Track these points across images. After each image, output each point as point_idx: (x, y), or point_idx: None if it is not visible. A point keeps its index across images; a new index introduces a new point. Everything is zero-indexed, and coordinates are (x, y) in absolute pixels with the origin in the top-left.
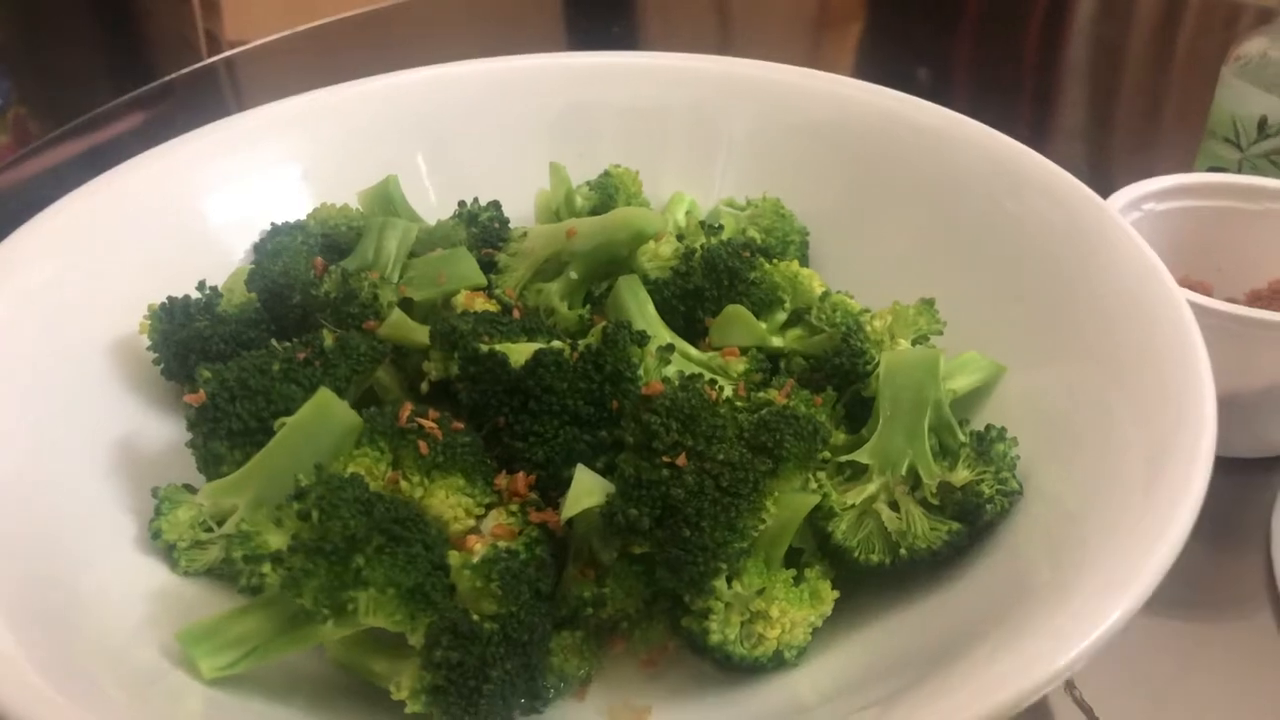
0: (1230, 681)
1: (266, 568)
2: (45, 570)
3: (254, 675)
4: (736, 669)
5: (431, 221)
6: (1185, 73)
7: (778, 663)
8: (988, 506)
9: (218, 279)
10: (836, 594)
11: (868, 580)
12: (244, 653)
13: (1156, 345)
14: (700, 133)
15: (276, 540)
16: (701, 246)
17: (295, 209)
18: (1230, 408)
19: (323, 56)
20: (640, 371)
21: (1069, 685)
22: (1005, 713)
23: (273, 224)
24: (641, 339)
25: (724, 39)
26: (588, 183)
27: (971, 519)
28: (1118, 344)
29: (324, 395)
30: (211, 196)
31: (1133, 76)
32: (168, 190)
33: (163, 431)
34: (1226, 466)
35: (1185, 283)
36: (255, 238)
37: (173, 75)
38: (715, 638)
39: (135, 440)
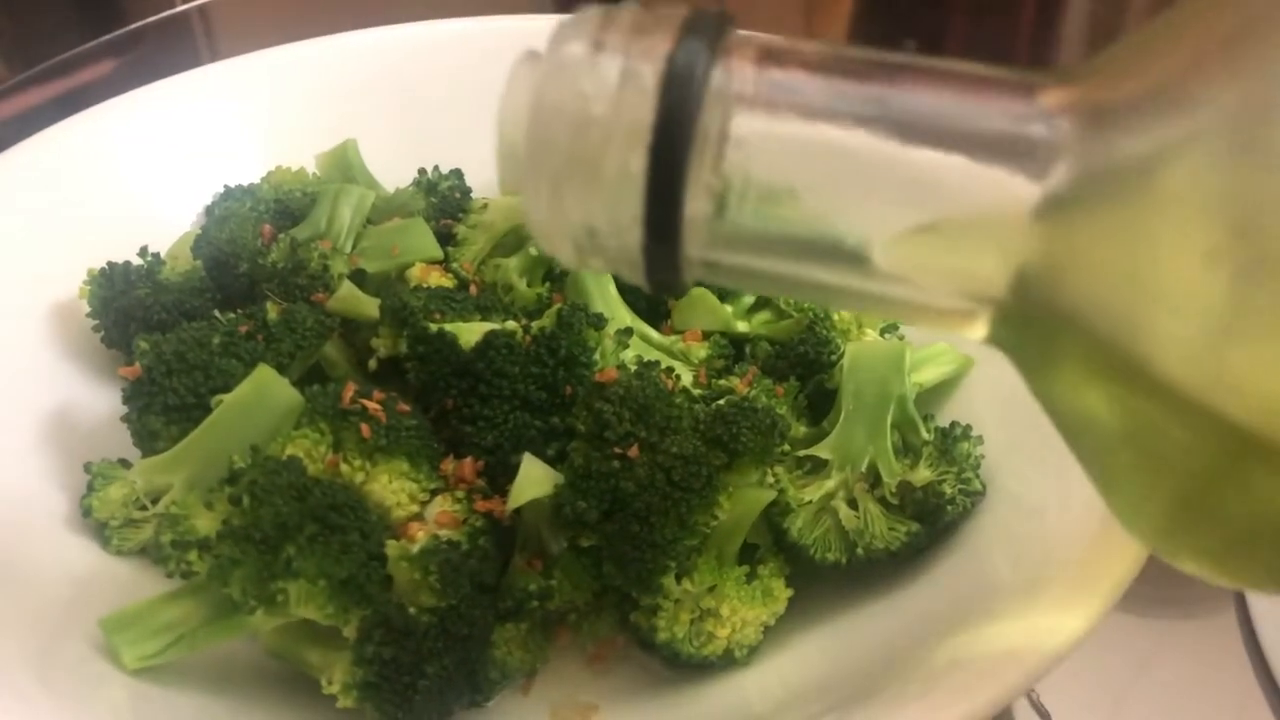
0: (1192, 680)
1: (193, 555)
2: None
3: (182, 664)
4: (685, 667)
5: (391, 188)
6: None
7: (728, 662)
8: (949, 507)
9: (167, 243)
10: (790, 592)
11: (824, 578)
12: (170, 641)
13: None
14: None
15: (206, 525)
16: None
17: (250, 172)
18: None
19: (300, 6)
20: (596, 356)
21: None
22: None
23: (225, 187)
24: (599, 321)
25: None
26: None
27: (931, 520)
28: None
29: (263, 372)
30: (162, 157)
31: None
32: (116, 149)
33: (100, 401)
34: None
35: None
36: (207, 200)
37: (144, 21)
38: (663, 635)
39: (71, 410)
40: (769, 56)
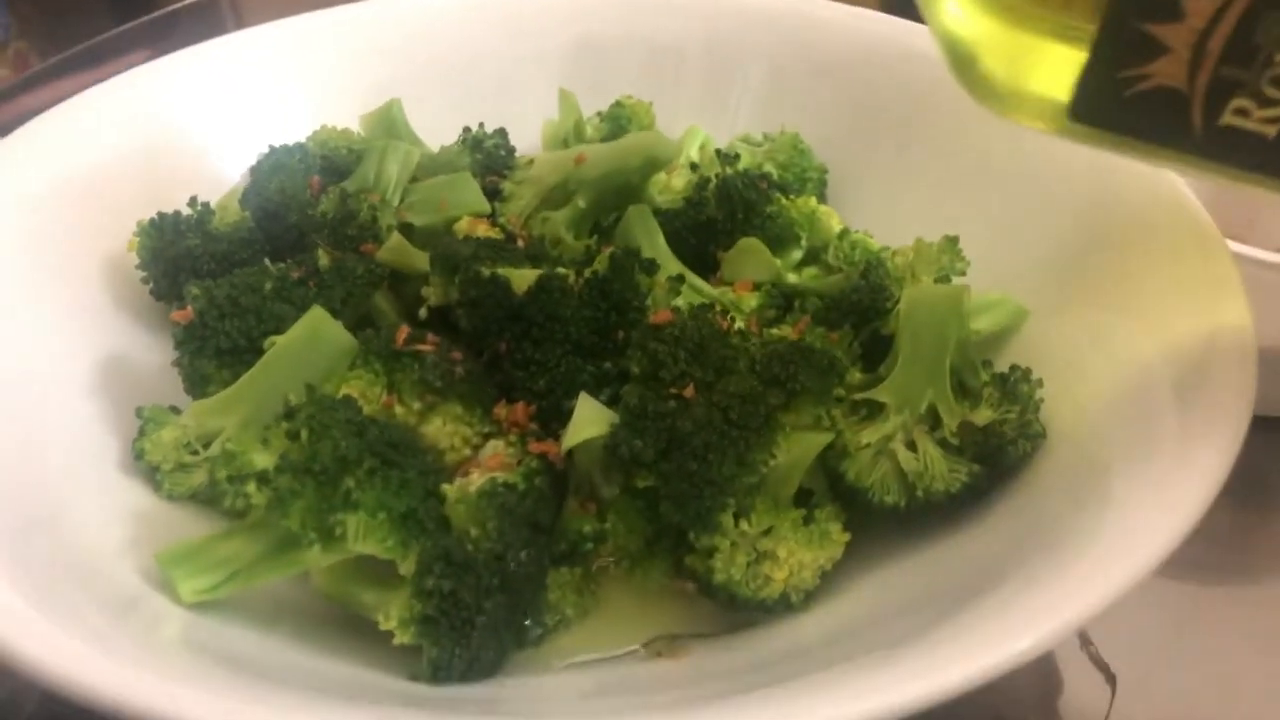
0: (1253, 646)
1: (251, 487)
2: (26, 489)
3: (236, 601)
4: (741, 609)
5: (435, 148)
6: None
7: (784, 605)
8: (1010, 449)
9: (212, 198)
10: (847, 536)
11: (880, 523)
12: (226, 576)
13: (1193, 290)
14: (717, 67)
15: (263, 460)
16: (716, 176)
17: (295, 131)
18: (1263, 363)
19: None
20: (649, 301)
21: (1085, 641)
22: (1011, 664)
23: (270, 145)
24: (651, 267)
25: None
26: (598, 113)
27: (993, 461)
28: (1150, 288)
29: (317, 314)
30: (209, 115)
31: None
32: (164, 106)
33: (150, 351)
34: (1256, 424)
35: None
36: (252, 159)
37: (175, 6)
38: (720, 577)
39: (122, 359)
40: None
